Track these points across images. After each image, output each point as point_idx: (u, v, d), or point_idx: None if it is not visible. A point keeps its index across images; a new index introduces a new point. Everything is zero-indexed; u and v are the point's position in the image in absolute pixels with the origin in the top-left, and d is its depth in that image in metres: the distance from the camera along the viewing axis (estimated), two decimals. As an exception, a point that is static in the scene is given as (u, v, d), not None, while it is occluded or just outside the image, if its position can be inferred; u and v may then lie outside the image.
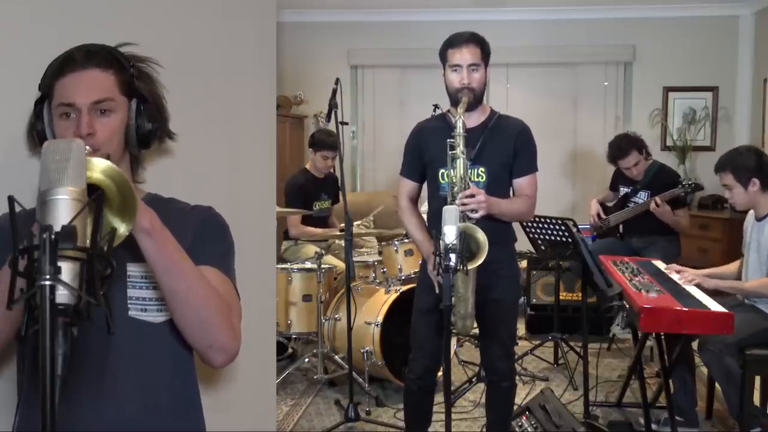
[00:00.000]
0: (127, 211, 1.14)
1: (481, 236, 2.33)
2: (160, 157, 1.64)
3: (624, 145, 4.32)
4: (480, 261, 2.33)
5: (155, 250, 1.26)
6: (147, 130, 1.43)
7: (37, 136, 1.40)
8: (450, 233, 1.93)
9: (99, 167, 1.13)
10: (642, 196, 4.35)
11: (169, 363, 1.43)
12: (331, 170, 4.69)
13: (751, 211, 3.21)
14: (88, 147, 1.26)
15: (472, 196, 2.44)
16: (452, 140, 2.48)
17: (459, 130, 2.48)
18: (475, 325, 2.76)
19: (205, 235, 1.46)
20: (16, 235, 0.92)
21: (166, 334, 1.40)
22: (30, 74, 1.40)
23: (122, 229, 1.14)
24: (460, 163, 2.48)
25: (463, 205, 2.42)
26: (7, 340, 1.29)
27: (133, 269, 1.38)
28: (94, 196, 1.02)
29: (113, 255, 1.19)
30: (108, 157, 1.27)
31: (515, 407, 3.06)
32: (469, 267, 2.22)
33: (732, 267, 3.35)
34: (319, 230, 4.54)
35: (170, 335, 1.40)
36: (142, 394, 1.38)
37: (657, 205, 4.12)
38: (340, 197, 3.65)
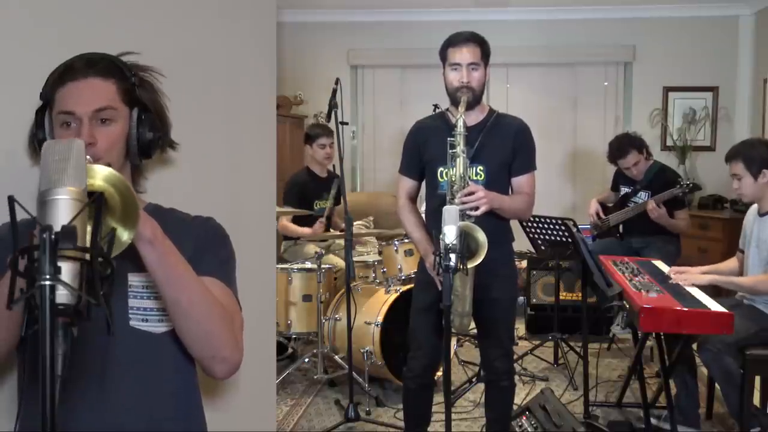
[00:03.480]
0: (130, 218, 1.13)
1: (481, 236, 2.33)
2: (162, 168, 1.63)
3: (623, 144, 4.33)
4: (479, 260, 2.33)
5: (157, 259, 1.25)
6: (148, 139, 1.41)
7: (38, 144, 1.38)
8: (450, 233, 1.93)
9: (101, 174, 1.12)
10: (642, 197, 4.35)
11: (171, 373, 1.42)
12: (332, 168, 4.68)
13: (754, 206, 3.21)
14: (88, 156, 1.26)
15: (472, 194, 2.44)
16: (452, 139, 2.48)
17: (460, 129, 2.48)
18: (473, 324, 2.77)
19: (206, 246, 1.45)
20: (15, 234, 0.92)
21: (167, 345, 1.39)
22: (31, 83, 1.39)
23: (125, 236, 1.13)
24: (461, 161, 2.48)
25: (464, 203, 2.42)
26: (9, 341, 1.29)
27: (134, 279, 1.37)
28: (94, 197, 1.02)
29: (114, 264, 1.18)
30: (109, 166, 1.27)
31: (515, 407, 3.06)
32: (469, 266, 2.22)
33: (730, 263, 3.34)
34: (302, 229, 4.41)
35: (172, 345, 1.39)
36: (143, 403, 1.37)
37: (653, 208, 4.12)
38: (341, 198, 3.65)
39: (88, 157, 1.24)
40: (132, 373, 1.35)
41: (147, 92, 1.44)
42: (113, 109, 1.36)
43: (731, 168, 3.16)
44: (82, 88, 1.34)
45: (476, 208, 2.45)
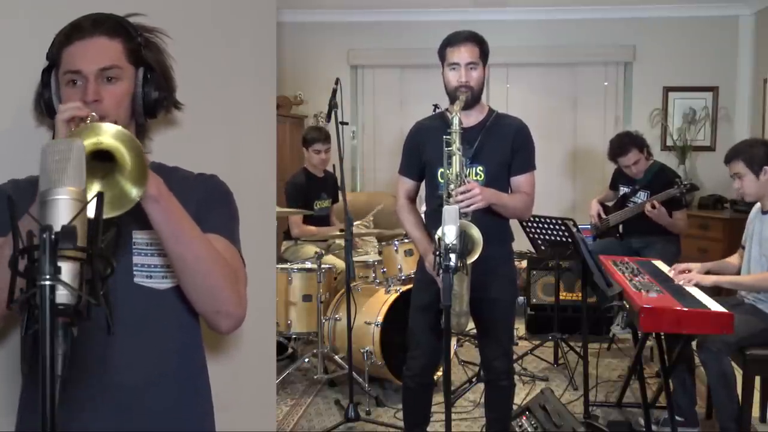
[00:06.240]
0: (139, 176, 1.15)
1: (476, 232, 2.33)
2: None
3: (624, 142, 4.33)
4: (475, 257, 2.33)
5: (162, 216, 1.27)
6: (154, 98, 1.43)
7: (44, 104, 1.40)
8: (450, 233, 1.93)
9: (110, 132, 1.14)
10: (641, 196, 4.35)
11: (175, 329, 1.44)
12: (331, 169, 4.69)
13: (757, 204, 3.20)
14: (94, 114, 1.27)
15: (467, 191, 2.43)
16: (448, 137, 2.47)
17: (455, 127, 2.46)
18: (473, 324, 2.77)
19: (209, 203, 1.46)
20: (16, 235, 0.92)
21: (171, 301, 1.40)
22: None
23: (134, 193, 1.15)
24: (456, 160, 2.46)
25: (460, 201, 2.42)
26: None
27: (138, 236, 1.39)
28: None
29: (119, 220, 1.19)
30: (115, 124, 1.28)
31: (515, 407, 3.06)
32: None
33: (733, 260, 3.34)
34: (325, 228, 4.53)
35: (176, 301, 1.41)
36: (146, 359, 1.39)
37: (653, 208, 4.12)
38: (340, 196, 3.66)
39: (93, 114, 1.26)
40: (135, 329, 1.36)
41: (153, 53, 1.45)
42: (119, 68, 1.38)
43: (731, 168, 3.14)
44: (88, 47, 1.35)
45: (471, 205, 2.44)
